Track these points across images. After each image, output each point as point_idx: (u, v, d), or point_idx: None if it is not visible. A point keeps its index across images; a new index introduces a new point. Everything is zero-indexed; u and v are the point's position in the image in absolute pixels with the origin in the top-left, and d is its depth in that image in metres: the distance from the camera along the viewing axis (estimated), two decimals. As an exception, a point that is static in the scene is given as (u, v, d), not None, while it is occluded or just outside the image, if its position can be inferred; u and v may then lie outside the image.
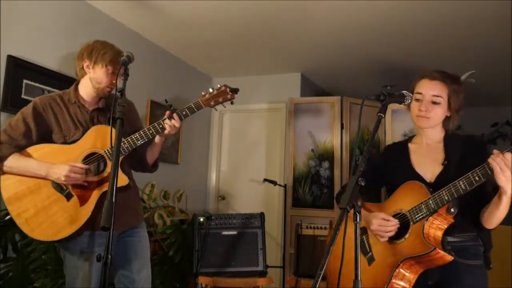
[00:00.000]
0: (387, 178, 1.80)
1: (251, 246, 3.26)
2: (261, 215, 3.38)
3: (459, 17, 3.32)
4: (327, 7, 3.21)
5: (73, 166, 1.81)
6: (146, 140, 1.91)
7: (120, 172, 1.90)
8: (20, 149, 1.85)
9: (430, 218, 1.53)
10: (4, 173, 1.84)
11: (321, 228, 3.57)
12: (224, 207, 5.07)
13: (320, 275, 1.15)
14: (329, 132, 4.27)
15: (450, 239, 1.58)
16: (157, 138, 2.01)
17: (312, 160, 4.29)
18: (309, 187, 4.26)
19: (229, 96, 1.96)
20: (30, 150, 1.87)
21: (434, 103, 1.64)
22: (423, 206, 1.54)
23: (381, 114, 1.43)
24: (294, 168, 4.33)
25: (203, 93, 1.96)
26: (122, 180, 1.90)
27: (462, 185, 1.45)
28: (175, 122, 1.90)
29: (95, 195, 1.86)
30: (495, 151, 1.40)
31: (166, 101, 2.13)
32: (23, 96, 2.77)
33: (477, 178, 1.42)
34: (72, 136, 1.92)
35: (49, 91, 2.86)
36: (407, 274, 1.57)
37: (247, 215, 3.36)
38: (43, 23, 2.94)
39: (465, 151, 1.62)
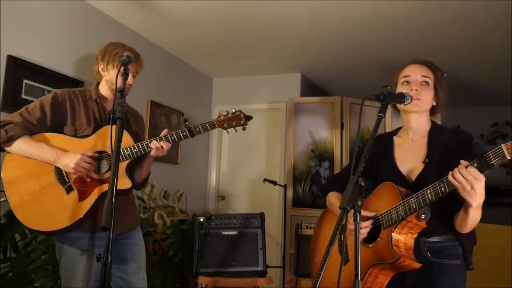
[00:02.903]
0: (373, 172, 1.76)
1: (251, 246, 3.27)
2: (261, 215, 3.38)
3: (459, 17, 3.32)
4: (328, 7, 3.21)
5: (84, 156, 1.83)
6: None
7: (124, 175, 1.91)
8: (31, 133, 1.86)
9: (400, 225, 1.51)
10: (11, 152, 1.83)
11: (321, 228, 3.56)
12: (224, 207, 5.07)
13: (320, 275, 1.15)
14: (329, 132, 4.27)
15: (427, 240, 1.57)
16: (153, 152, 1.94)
17: (312, 160, 4.29)
18: (309, 187, 4.26)
19: (242, 122, 2.02)
20: (42, 136, 1.87)
21: (424, 83, 1.64)
22: (393, 212, 1.53)
23: (381, 114, 1.42)
24: (294, 168, 4.33)
25: (219, 114, 2.03)
26: (125, 183, 1.91)
27: (429, 195, 1.42)
28: (164, 145, 1.90)
29: (95, 193, 1.86)
30: (460, 164, 1.31)
31: (183, 115, 2.21)
32: (23, 96, 2.78)
33: (443, 189, 1.38)
34: (83, 131, 1.94)
35: (49, 91, 2.86)
36: (378, 278, 1.57)
37: (247, 215, 3.36)
38: (43, 23, 2.94)
39: (450, 146, 1.59)
